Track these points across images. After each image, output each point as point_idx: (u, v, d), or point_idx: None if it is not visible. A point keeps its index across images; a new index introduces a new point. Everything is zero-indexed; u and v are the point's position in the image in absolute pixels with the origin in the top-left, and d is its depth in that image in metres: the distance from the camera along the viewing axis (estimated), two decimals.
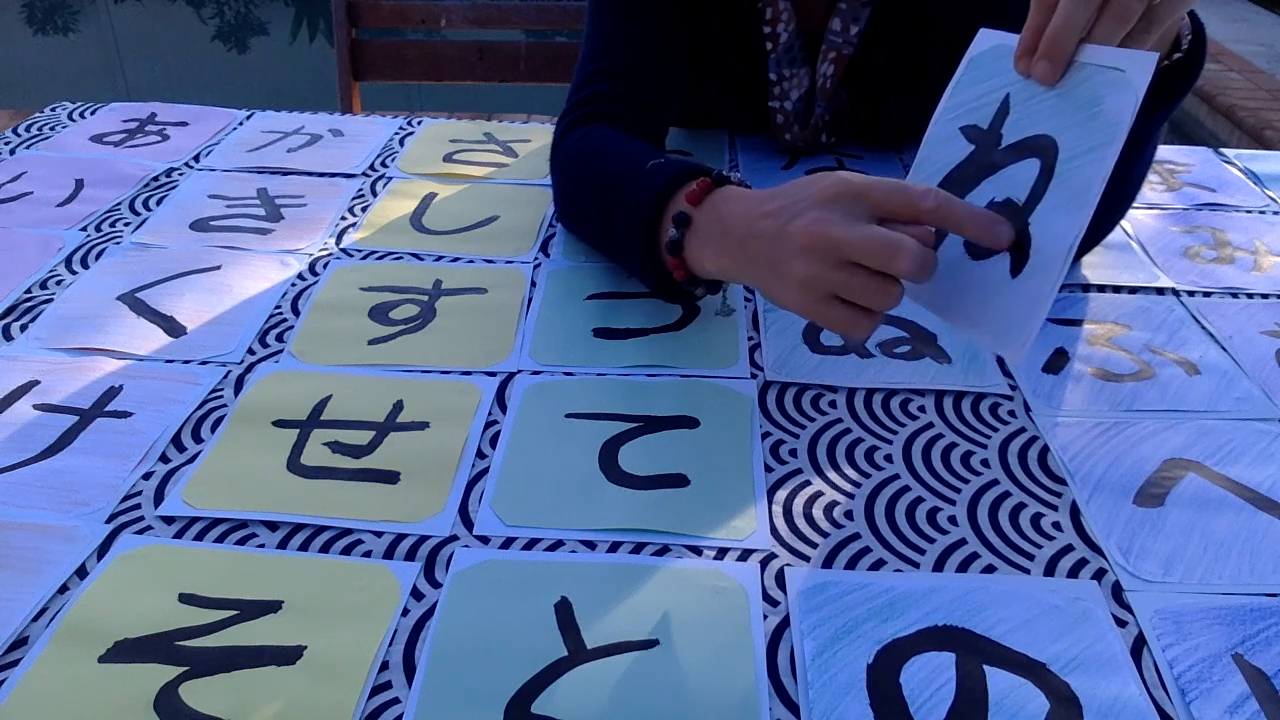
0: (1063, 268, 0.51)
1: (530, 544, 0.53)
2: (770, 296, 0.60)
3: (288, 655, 0.46)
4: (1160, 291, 0.78)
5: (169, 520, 0.54)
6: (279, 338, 0.70)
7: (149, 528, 0.54)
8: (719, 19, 0.92)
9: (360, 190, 0.92)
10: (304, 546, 0.53)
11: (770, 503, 0.56)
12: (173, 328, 0.71)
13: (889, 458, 0.60)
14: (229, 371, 0.66)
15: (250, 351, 0.68)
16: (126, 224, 0.85)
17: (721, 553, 0.53)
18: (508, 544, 0.53)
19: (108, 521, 0.54)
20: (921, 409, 0.64)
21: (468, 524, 0.54)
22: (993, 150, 0.56)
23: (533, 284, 0.77)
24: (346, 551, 0.52)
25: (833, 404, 0.64)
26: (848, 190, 0.55)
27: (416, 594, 0.50)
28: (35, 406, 0.62)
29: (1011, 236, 0.53)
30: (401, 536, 0.53)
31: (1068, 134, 0.53)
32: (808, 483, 0.58)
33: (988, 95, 0.58)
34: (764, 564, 0.52)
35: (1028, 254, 0.53)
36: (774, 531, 0.54)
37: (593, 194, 0.76)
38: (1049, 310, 0.51)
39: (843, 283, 0.54)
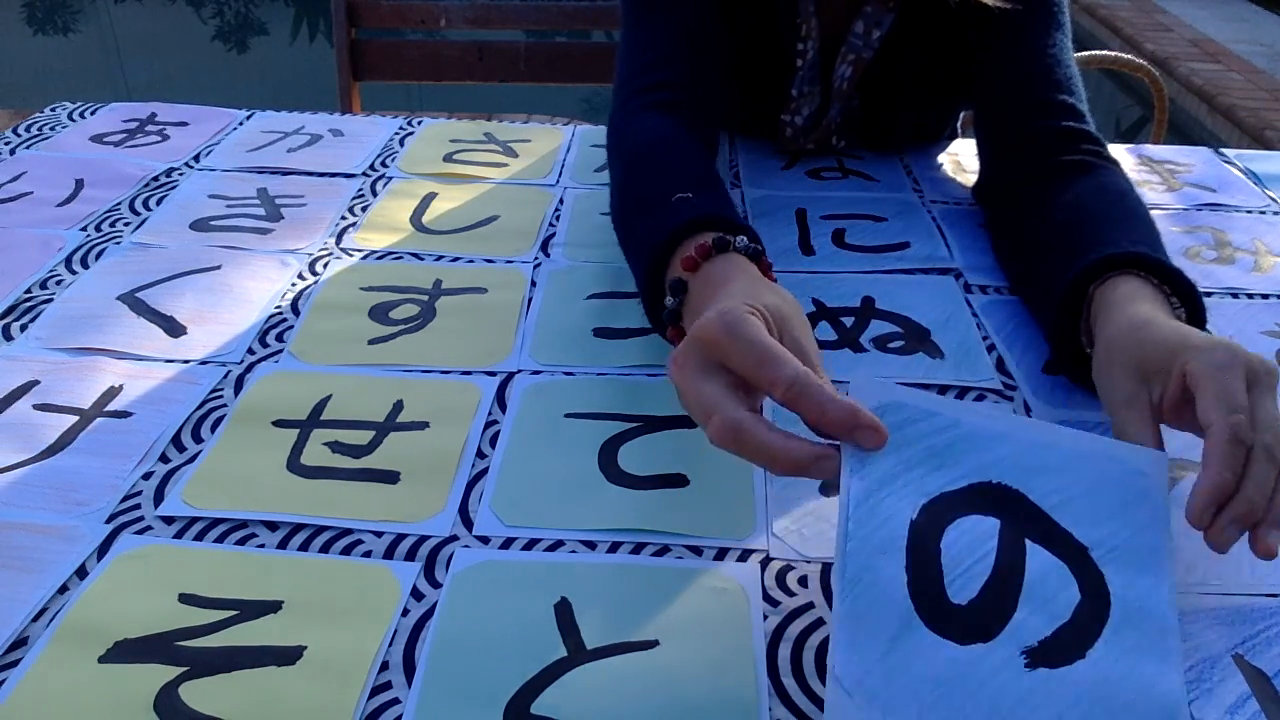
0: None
1: (530, 544, 0.53)
2: None
3: (288, 655, 0.46)
4: None
5: (169, 520, 0.54)
6: (279, 338, 0.70)
7: (149, 528, 0.54)
8: (752, 30, 0.91)
9: (360, 190, 0.92)
10: (304, 546, 0.53)
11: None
12: (173, 328, 0.71)
13: None
14: (229, 371, 0.66)
15: (250, 351, 0.68)
16: (126, 224, 0.85)
17: (721, 553, 0.53)
18: (508, 544, 0.53)
19: (108, 521, 0.54)
20: None
21: (468, 524, 0.54)
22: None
23: (533, 284, 0.77)
24: (346, 551, 0.52)
25: None
26: (748, 345, 0.47)
27: (416, 594, 0.50)
28: (35, 406, 0.62)
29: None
30: (401, 536, 0.53)
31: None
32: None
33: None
34: (764, 564, 0.52)
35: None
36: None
37: (627, 212, 0.72)
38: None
39: (685, 382, 0.48)
